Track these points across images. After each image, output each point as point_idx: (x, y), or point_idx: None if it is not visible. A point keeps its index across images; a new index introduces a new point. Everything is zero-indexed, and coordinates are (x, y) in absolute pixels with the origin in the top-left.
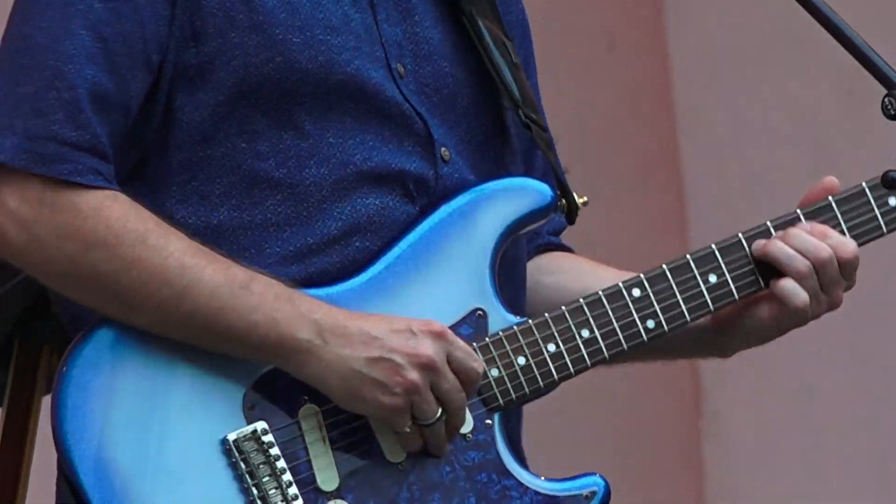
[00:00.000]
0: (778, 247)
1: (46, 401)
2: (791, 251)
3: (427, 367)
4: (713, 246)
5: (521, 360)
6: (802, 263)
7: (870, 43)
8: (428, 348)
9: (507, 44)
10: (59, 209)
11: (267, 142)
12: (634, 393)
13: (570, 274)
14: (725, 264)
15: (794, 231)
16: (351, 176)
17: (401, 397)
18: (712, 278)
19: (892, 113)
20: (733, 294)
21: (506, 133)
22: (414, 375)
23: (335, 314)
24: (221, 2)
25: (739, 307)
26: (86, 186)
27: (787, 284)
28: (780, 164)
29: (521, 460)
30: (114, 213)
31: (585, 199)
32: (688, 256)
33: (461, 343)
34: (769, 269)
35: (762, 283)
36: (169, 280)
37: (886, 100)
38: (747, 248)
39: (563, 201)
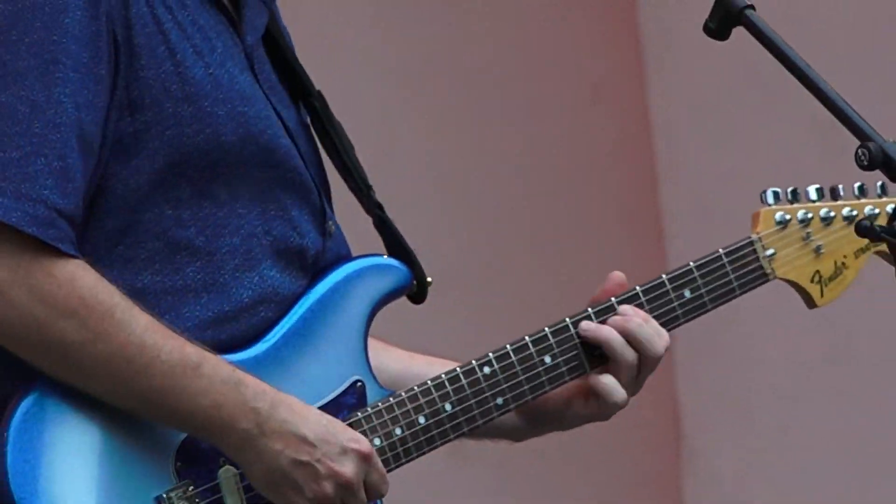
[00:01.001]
0: (610, 333)
1: None
2: (622, 340)
3: (343, 486)
4: (546, 329)
5: (398, 431)
6: (631, 354)
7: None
8: (350, 470)
9: (332, 124)
10: (34, 273)
11: (189, 210)
12: (614, 431)
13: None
14: (556, 345)
15: (628, 317)
16: (257, 247)
17: (312, 503)
18: (547, 359)
19: (865, 163)
20: (564, 376)
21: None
22: (329, 489)
23: (278, 407)
24: (157, 73)
25: (556, 398)
26: (63, 254)
27: (609, 381)
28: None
29: None
30: (85, 283)
31: (430, 279)
32: (526, 338)
33: (380, 466)
34: (593, 352)
35: (587, 367)
36: (130, 357)
37: (860, 150)
38: (573, 331)
39: (426, 281)
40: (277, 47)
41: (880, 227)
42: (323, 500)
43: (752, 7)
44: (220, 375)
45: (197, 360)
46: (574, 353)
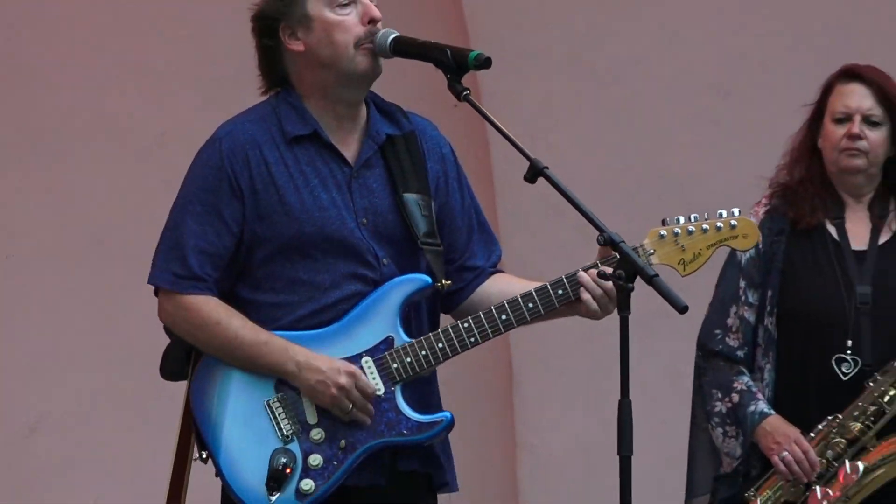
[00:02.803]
0: (588, 280)
1: None
2: (594, 284)
3: (341, 388)
4: (563, 277)
5: (409, 360)
6: (597, 292)
7: None
8: (342, 379)
9: (424, 199)
10: (180, 308)
11: (301, 263)
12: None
13: (500, 285)
14: (569, 283)
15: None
16: (338, 277)
17: (329, 400)
18: (560, 292)
19: (601, 242)
20: (570, 296)
21: (415, 247)
22: (334, 391)
23: (308, 357)
24: (268, 199)
25: (570, 303)
26: (192, 294)
27: (586, 298)
28: None
29: (413, 406)
30: (203, 308)
31: (449, 281)
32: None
33: (363, 379)
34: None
35: (573, 296)
36: (231, 343)
37: (598, 238)
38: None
39: (442, 283)
40: (388, 162)
41: (610, 238)
42: (332, 398)
43: (547, 168)
44: (277, 346)
45: (264, 339)
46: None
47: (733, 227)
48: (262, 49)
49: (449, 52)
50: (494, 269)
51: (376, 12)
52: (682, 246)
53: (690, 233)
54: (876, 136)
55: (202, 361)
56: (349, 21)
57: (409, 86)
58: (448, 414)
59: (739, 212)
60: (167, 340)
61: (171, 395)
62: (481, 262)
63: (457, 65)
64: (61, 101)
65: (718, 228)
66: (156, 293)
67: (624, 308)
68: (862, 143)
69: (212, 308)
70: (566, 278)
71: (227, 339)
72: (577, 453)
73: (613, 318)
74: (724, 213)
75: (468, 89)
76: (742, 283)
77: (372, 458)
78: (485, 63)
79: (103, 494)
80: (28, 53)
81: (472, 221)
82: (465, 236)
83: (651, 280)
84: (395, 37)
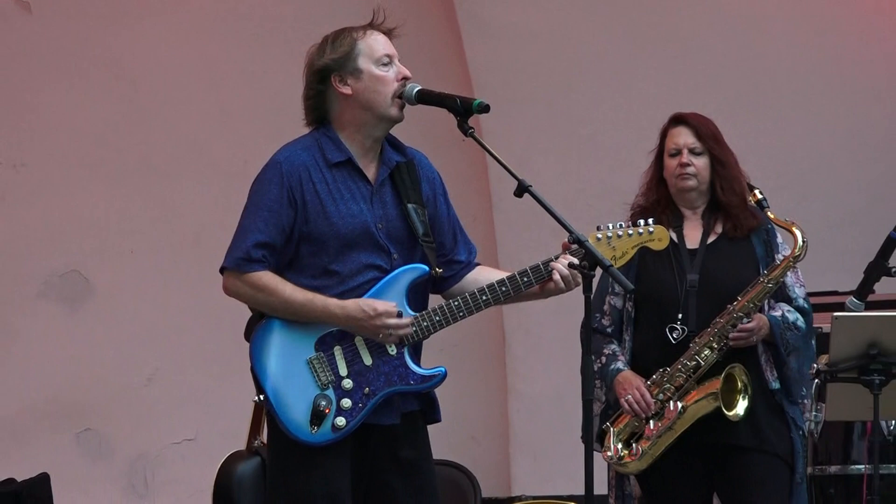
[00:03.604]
0: (561, 270)
1: None
2: (566, 274)
3: (378, 314)
4: (539, 263)
5: (413, 329)
6: (564, 273)
7: None
8: (377, 310)
9: (420, 209)
10: (244, 282)
11: (330, 255)
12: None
13: (482, 274)
14: (543, 265)
15: (565, 267)
16: (363, 266)
17: (371, 330)
18: (524, 279)
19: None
20: (532, 282)
21: (416, 244)
22: (374, 323)
23: (347, 306)
24: (313, 208)
25: (532, 289)
26: (250, 271)
27: (560, 285)
28: None
29: (416, 363)
30: (262, 279)
31: (441, 270)
32: (527, 267)
33: (384, 306)
34: (539, 276)
35: (546, 275)
36: (285, 303)
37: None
38: (543, 267)
39: (436, 271)
40: (395, 182)
41: (578, 238)
42: (371, 328)
43: (531, 186)
44: (323, 302)
45: (311, 297)
46: (542, 271)
47: (651, 232)
48: (313, 91)
49: (458, 100)
50: (476, 263)
51: (408, 72)
52: (613, 246)
53: (619, 236)
54: (700, 162)
55: (259, 327)
56: (389, 77)
57: (430, 126)
58: (443, 369)
59: (654, 221)
60: (248, 313)
61: None
62: (464, 257)
63: (464, 110)
64: (172, 137)
65: (640, 233)
66: (221, 271)
67: (587, 290)
68: (690, 169)
69: (268, 279)
70: (530, 269)
71: (282, 300)
72: (554, 397)
73: (575, 299)
74: (644, 223)
75: (473, 128)
76: (610, 280)
77: (386, 402)
78: (485, 109)
79: (201, 430)
80: (147, 100)
81: (454, 228)
82: (451, 239)
83: (607, 269)
84: (419, 90)
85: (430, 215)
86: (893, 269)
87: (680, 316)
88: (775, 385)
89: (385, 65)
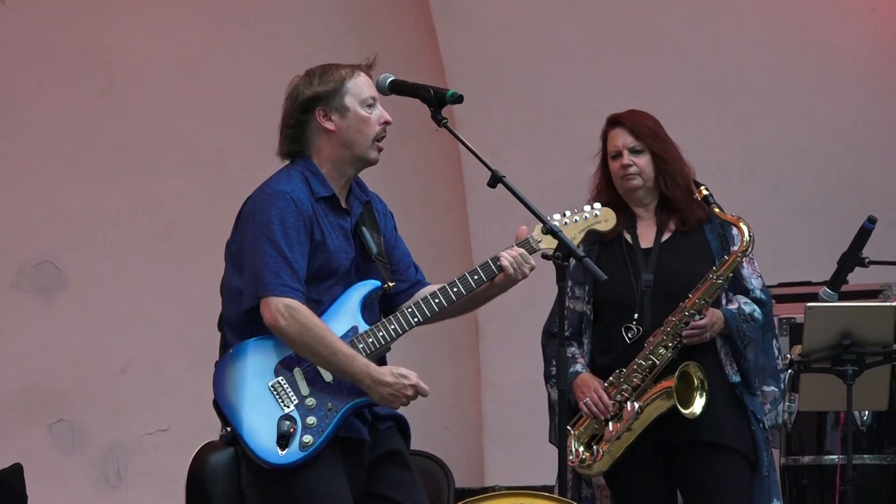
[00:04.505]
0: (506, 257)
1: None
2: (511, 260)
3: (408, 398)
4: (488, 260)
5: (370, 340)
6: (512, 266)
7: None
8: (409, 392)
9: (376, 236)
10: (290, 307)
11: (318, 288)
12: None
13: (427, 292)
14: (491, 260)
15: (511, 252)
16: (336, 291)
17: (398, 406)
18: (475, 277)
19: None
20: (483, 280)
21: (373, 264)
22: (403, 401)
23: (380, 372)
24: (316, 241)
25: (484, 285)
26: (294, 298)
27: (509, 270)
28: None
29: None
30: (307, 312)
31: (394, 283)
32: (477, 267)
33: (422, 384)
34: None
35: (496, 272)
36: (330, 348)
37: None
38: (492, 263)
39: (388, 285)
40: (366, 221)
41: (551, 228)
42: (401, 404)
43: (504, 176)
44: (361, 362)
45: (353, 353)
46: (493, 268)
47: (597, 215)
48: (294, 120)
49: (432, 90)
50: (427, 283)
51: (389, 118)
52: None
53: (566, 224)
54: (642, 161)
55: (217, 363)
56: (373, 119)
57: (404, 116)
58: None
59: (601, 205)
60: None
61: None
62: (414, 275)
63: (437, 100)
64: (147, 129)
65: (586, 217)
66: (257, 296)
67: (561, 279)
68: (633, 168)
69: (313, 315)
70: (479, 268)
71: (328, 344)
72: (526, 387)
73: (549, 290)
74: (590, 207)
75: (446, 118)
76: (570, 283)
77: (358, 416)
78: (458, 99)
79: (175, 421)
80: (122, 91)
81: (406, 256)
82: (404, 265)
83: (581, 259)
84: (392, 80)
85: (386, 244)
86: (867, 260)
87: (636, 316)
88: (735, 378)
89: (370, 106)
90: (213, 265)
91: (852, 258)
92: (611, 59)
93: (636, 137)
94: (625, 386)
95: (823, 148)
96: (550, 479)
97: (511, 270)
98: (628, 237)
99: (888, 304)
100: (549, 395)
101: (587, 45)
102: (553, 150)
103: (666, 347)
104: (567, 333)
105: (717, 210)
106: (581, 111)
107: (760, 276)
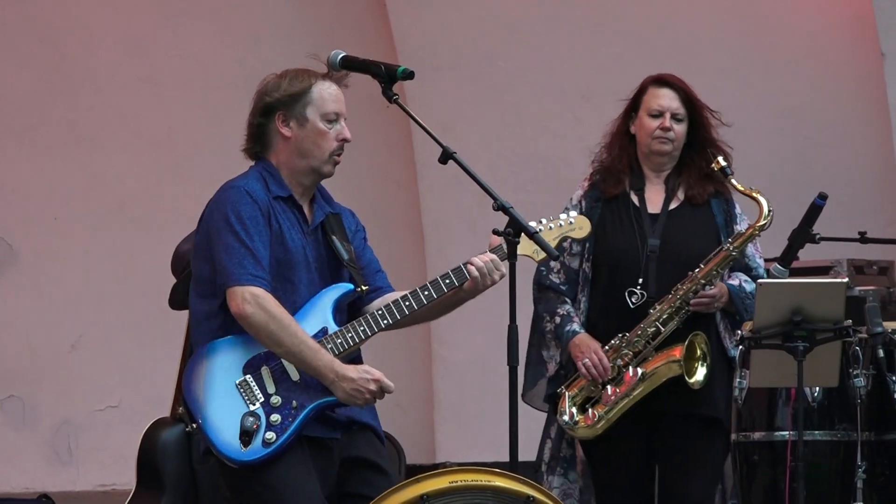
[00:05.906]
0: (477, 262)
1: None
2: (482, 265)
3: (372, 393)
4: (460, 265)
5: (339, 341)
6: (481, 272)
7: None
8: (372, 387)
9: (346, 245)
10: (256, 295)
11: (280, 275)
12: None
13: (396, 295)
14: (456, 272)
15: (482, 257)
16: (301, 285)
17: (361, 404)
18: (447, 281)
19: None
20: (454, 283)
21: (344, 269)
22: (367, 397)
23: (344, 368)
24: (274, 234)
25: (454, 290)
26: (259, 287)
27: (477, 277)
28: None
29: None
30: (267, 298)
31: (367, 286)
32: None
33: (386, 381)
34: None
35: (467, 277)
36: (296, 340)
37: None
38: (463, 267)
39: (361, 289)
40: (325, 230)
41: (502, 205)
42: (365, 402)
43: (455, 153)
44: (326, 357)
45: (318, 347)
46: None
47: (571, 223)
48: (256, 120)
49: (383, 66)
50: (390, 289)
51: (349, 135)
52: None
53: (541, 230)
54: (680, 129)
55: (189, 361)
56: (331, 134)
57: (354, 92)
58: None
59: (576, 213)
60: (172, 281)
61: (175, 322)
62: (382, 284)
63: (388, 76)
64: (97, 104)
65: (560, 225)
66: (223, 288)
67: (512, 256)
68: (670, 134)
69: (279, 305)
70: (451, 272)
71: (294, 334)
72: (477, 363)
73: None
74: (565, 215)
75: (397, 94)
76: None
77: (324, 416)
78: (409, 75)
79: (125, 397)
80: (72, 67)
81: (372, 263)
82: (372, 272)
83: (532, 235)
84: (343, 56)
85: (356, 253)
86: (817, 236)
87: (640, 281)
88: (734, 352)
89: (330, 121)
90: (163, 241)
91: (803, 234)
92: (563, 36)
93: (682, 104)
94: (626, 351)
95: (773, 125)
96: (502, 454)
97: (480, 276)
98: (635, 199)
99: (839, 280)
100: (539, 351)
101: (539, 21)
102: (504, 127)
103: (672, 316)
104: (563, 288)
105: (734, 182)
106: (532, 88)
107: (762, 256)
